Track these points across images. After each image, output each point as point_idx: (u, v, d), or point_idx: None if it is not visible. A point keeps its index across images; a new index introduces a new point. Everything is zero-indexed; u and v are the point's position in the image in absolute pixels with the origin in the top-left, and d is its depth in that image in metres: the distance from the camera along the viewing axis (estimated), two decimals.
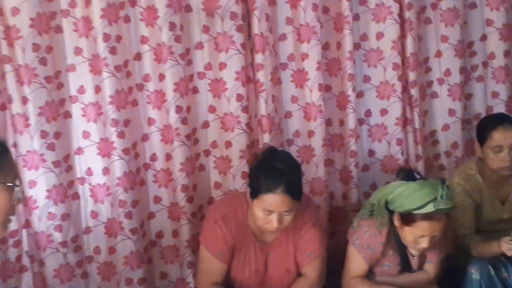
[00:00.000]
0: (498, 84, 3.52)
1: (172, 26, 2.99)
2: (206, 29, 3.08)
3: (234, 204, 2.77)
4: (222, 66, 3.11)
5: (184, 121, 3.08)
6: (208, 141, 3.17)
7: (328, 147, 3.29)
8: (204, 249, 2.77)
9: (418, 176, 2.78)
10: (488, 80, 3.53)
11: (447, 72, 3.42)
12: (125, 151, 3.01)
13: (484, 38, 3.48)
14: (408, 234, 2.70)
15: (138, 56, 3.03)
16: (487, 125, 3.07)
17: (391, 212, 2.76)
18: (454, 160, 3.50)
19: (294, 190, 2.57)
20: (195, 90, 3.13)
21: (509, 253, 2.84)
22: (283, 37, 3.17)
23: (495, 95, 3.54)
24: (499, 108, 3.53)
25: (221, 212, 2.75)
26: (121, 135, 2.99)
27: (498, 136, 2.98)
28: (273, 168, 2.58)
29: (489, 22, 3.44)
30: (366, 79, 3.33)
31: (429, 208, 2.61)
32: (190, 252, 3.14)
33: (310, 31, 3.14)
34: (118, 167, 3.01)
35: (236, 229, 2.73)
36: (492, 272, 2.94)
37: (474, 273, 2.92)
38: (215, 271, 2.76)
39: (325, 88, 3.23)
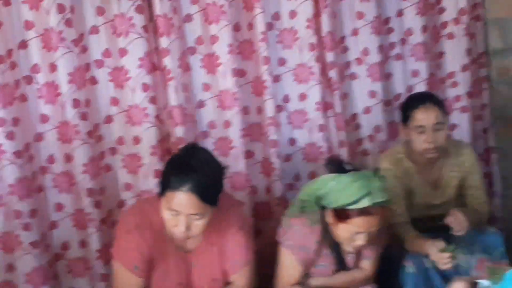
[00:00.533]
0: (417, 61, 3.42)
1: (60, 8, 2.71)
2: (100, 11, 2.81)
3: (148, 210, 2.49)
4: (123, 52, 2.85)
5: (83, 116, 2.80)
6: (113, 138, 2.91)
7: (247, 137, 3.09)
8: (117, 263, 2.48)
9: (349, 167, 2.56)
10: (407, 58, 3.43)
11: (365, 51, 3.30)
12: (17, 154, 2.70)
13: (400, 13, 3.38)
14: (343, 231, 2.50)
15: (23, 45, 2.72)
16: (408, 105, 2.95)
17: (323, 208, 2.55)
18: (378, 144, 3.38)
19: (203, 191, 2.31)
20: (94, 81, 2.86)
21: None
22: (189, 18, 2.96)
23: (415, 73, 3.44)
24: (420, 86, 3.43)
25: (134, 221, 2.47)
26: (10, 136, 2.68)
27: (420, 116, 2.85)
28: (184, 164, 2.34)
29: None
30: (282, 61, 3.16)
31: (365, 203, 2.42)
32: (101, 263, 2.87)
33: (218, 11, 2.95)
34: (10, 173, 2.69)
35: (153, 238, 2.45)
36: (428, 265, 2.81)
37: (409, 267, 2.80)
38: (132, 287, 2.45)
39: (239, 73, 3.05)
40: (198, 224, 2.35)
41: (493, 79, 3.67)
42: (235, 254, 2.53)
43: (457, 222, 2.73)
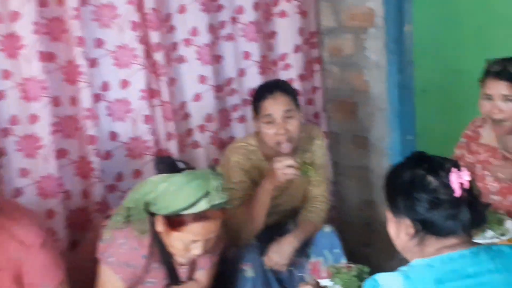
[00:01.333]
0: (249, 42, 3.22)
1: None
2: None
3: None
4: None
5: None
6: None
7: (59, 133, 2.66)
8: None
9: (182, 166, 2.24)
10: (238, 39, 3.21)
11: (194, 31, 3.01)
12: None
13: None
14: (177, 241, 2.19)
15: None
16: (257, 94, 2.78)
17: (152, 215, 2.21)
18: (209, 135, 3.12)
19: None
20: None
21: (285, 175, 2.58)
22: None
23: (247, 55, 3.25)
24: (253, 70, 3.25)
25: None
26: None
27: (268, 105, 2.68)
28: None
29: None
30: (99, 43, 2.76)
31: (202, 206, 2.12)
32: None
33: None
34: None
35: None
36: (267, 267, 2.69)
37: (247, 270, 2.64)
38: None
39: (48, 57, 2.60)
40: None
41: (325, 60, 3.53)
42: (39, 280, 2.10)
43: (272, 263, 2.67)
